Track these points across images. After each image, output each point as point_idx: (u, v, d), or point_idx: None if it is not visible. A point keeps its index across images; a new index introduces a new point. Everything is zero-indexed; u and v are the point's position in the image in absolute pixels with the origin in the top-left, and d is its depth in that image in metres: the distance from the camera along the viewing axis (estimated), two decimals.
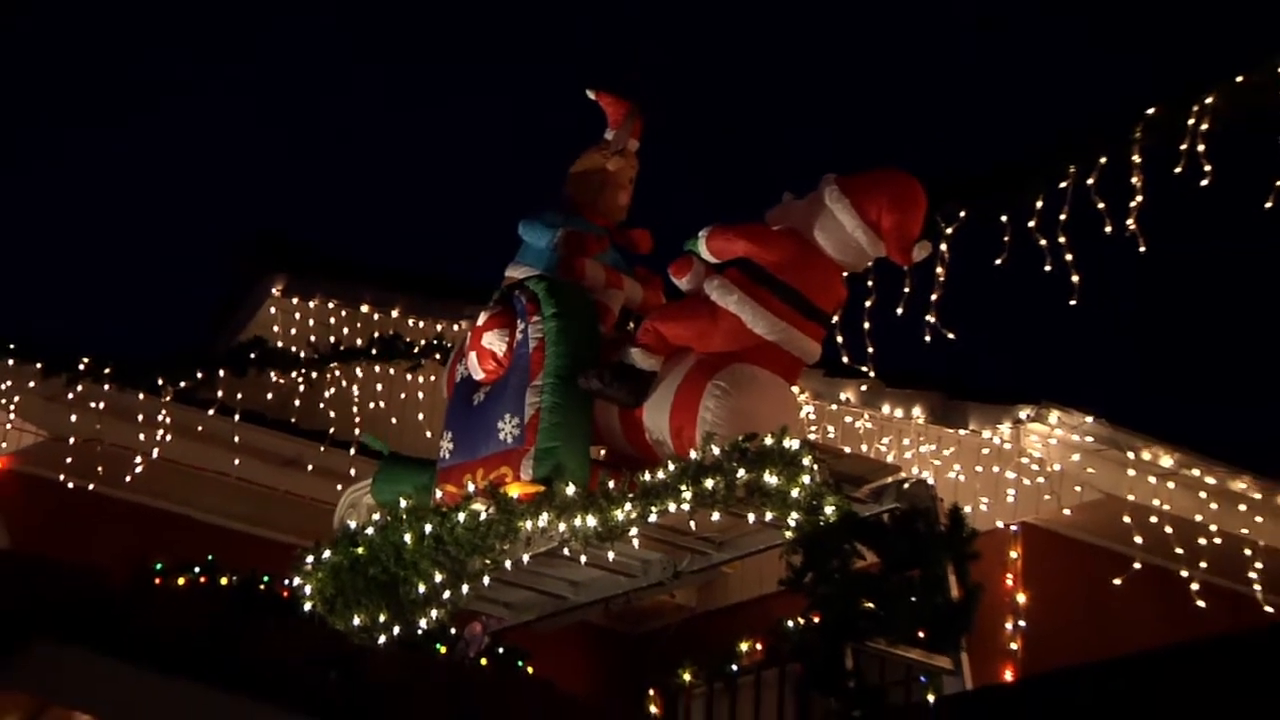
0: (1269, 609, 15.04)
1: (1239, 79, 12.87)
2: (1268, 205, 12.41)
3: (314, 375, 17.18)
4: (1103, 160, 13.10)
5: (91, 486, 15.38)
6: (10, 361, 15.07)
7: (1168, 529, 15.28)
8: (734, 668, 11.75)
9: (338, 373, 17.20)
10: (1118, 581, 15.27)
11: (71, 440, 15.34)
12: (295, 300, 18.12)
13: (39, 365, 15.20)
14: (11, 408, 15.10)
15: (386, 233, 54.98)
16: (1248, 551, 15.41)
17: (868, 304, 13.20)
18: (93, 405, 15.41)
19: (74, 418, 15.33)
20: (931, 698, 10.29)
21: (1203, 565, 15.31)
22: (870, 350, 13.57)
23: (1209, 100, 12.93)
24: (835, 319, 12.34)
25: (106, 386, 15.45)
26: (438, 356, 16.06)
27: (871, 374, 14.39)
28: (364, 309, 17.82)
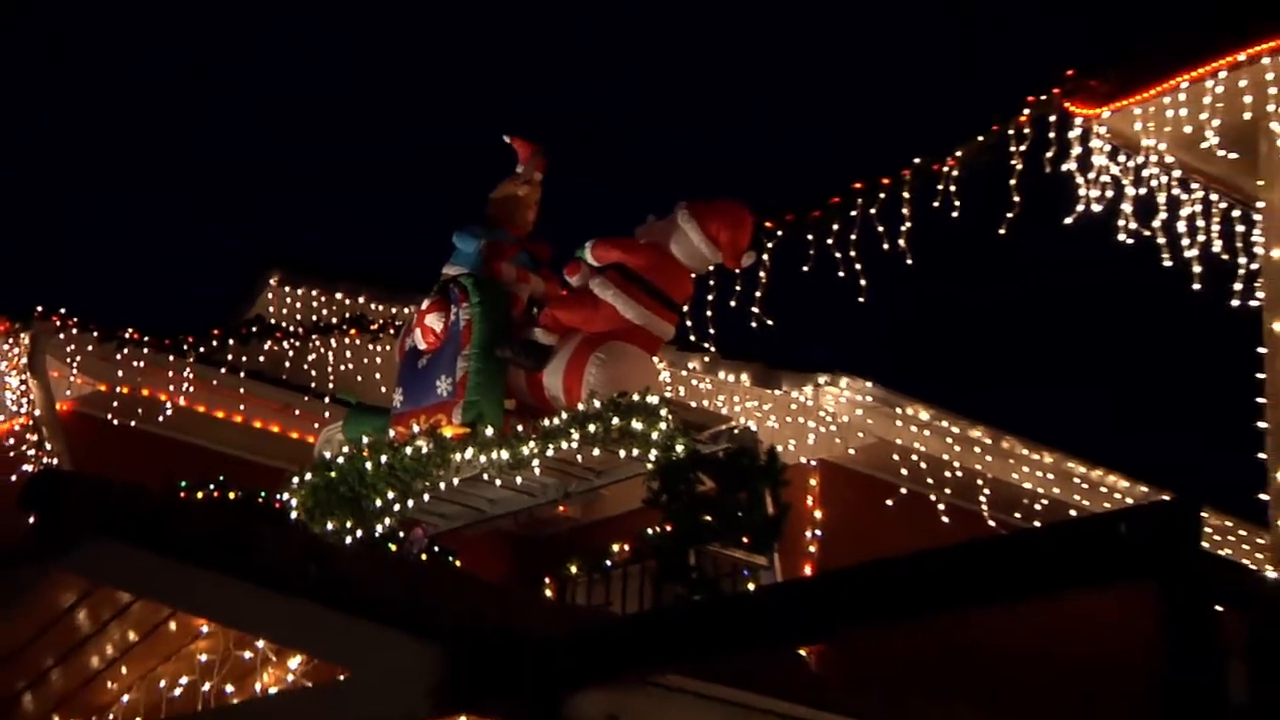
0: (993, 524, 15.11)
1: (979, 139, 12.89)
2: (1067, 221, 12.48)
3: (300, 345, 17.09)
4: (881, 195, 13.15)
5: (133, 424, 15.26)
6: (74, 331, 14.94)
7: (923, 465, 15.35)
8: (608, 563, 11.68)
9: (318, 343, 17.11)
10: (889, 503, 15.32)
11: (118, 390, 15.24)
12: (287, 289, 18.09)
13: (95, 334, 15.08)
14: (74, 365, 14.98)
15: (358, 238, 54.61)
16: (980, 482, 15.49)
17: (709, 297, 13.21)
18: (134, 364, 15.30)
19: (120, 373, 15.22)
20: (752, 586, 10.32)
21: (947, 492, 15.38)
22: (710, 331, 13.57)
23: (958, 153, 12.96)
24: (685, 308, 12.38)
25: (145, 350, 15.34)
26: (392, 331, 16.01)
27: (711, 349, 14.36)
28: (339, 295, 17.77)
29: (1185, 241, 12.76)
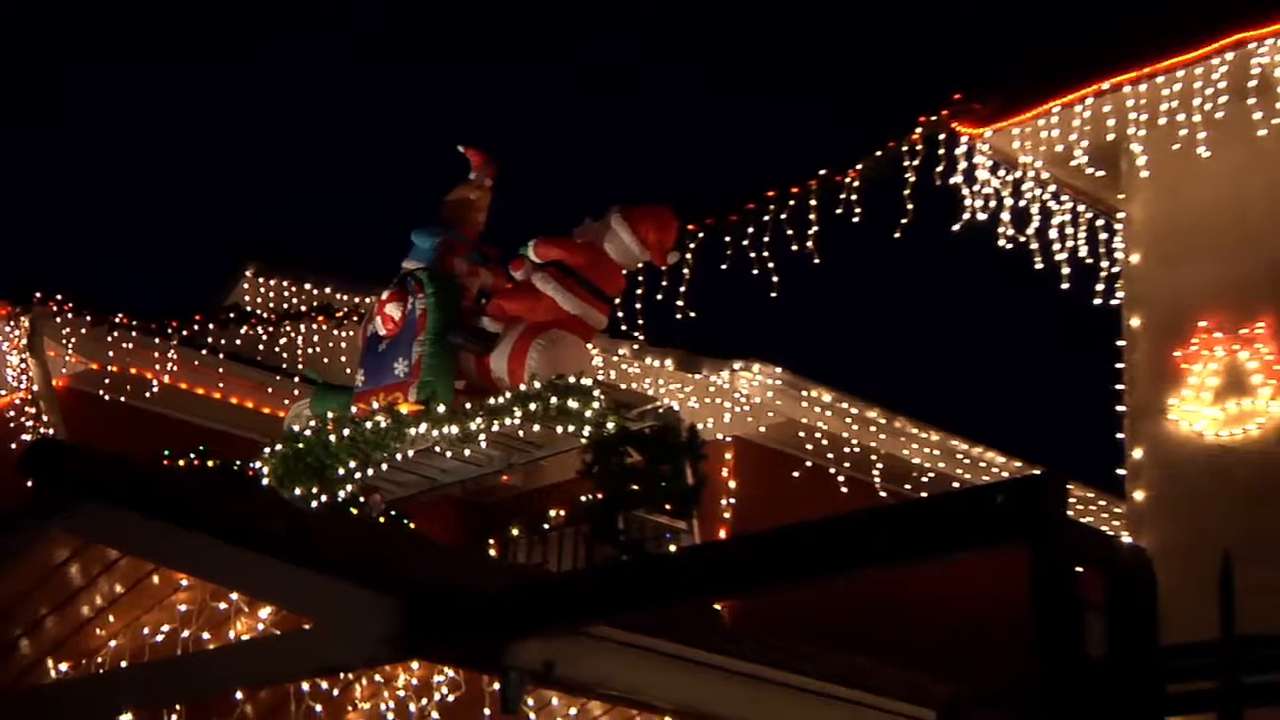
0: (885, 494, 15.17)
1: (878, 153, 12.94)
2: (955, 228, 12.54)
3: (273, 330, 17.01)
4: (791, 202, 13.18)
5: (122, 399, 15.16)
6: (69, 315, 14.83)
7: (824, 441, 15.40)
8: (546, 526, 11.69)
9: (289, 329, 17.03)
10: (794, 475, 15.35)
11: (109, 368, 15.15)
12: (261, 280, 17.98)
13: (88, 318, 14.98)
14: (69, 346, 14.88)
15: (327, 233, 54.01)
16: (874, 457, 15.55)
17: (638, 291, 13.22)
18: (124, 345, 15.20)
19: (110, 353, 15.13)
20: (673, 548, 10.33)
21: (846, 465, 15.43)
22: (639, 321, 13.58)
23: (858, 166, 13.00)
24: (617, 301, 12.39)
25: (133, 333, 15.25)
26: (356, 318, 15.93)
27: (639, 337, 14.37)
28: (308, 285, 17.67)
29: (1056, 247, 12.83)
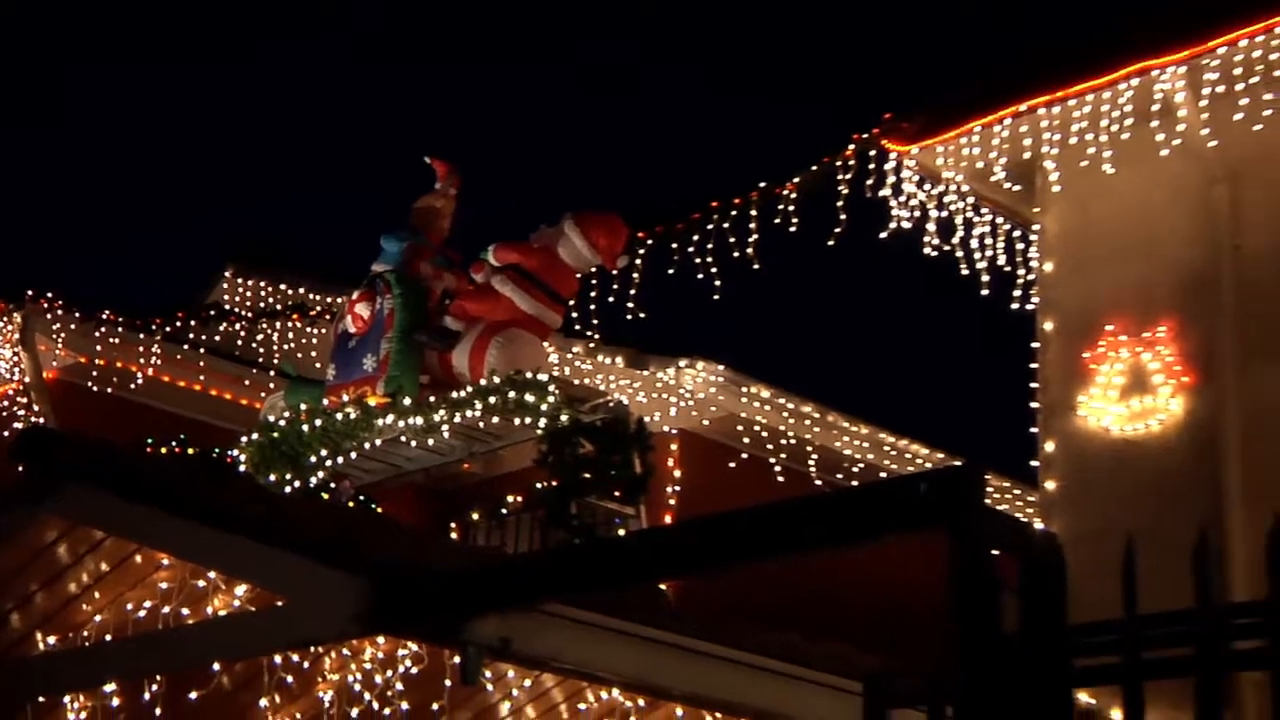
0: (819, 483, 15.21)
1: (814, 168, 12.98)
2: (882, 236, 12.59)
3: (250, 327, 16.95)
4: (733, 212, 13.22)
5: (109, 390, 15.10)
6: (59, 312, 14.77)
7: (763, 434, 15.45)
8: (503, 511, 11.72)
9: (265, 326, 16.97)
10: (734, 465, 15.38)
11: (96, 362, 15.08)
12: (240, 280, 17.92)
13: (77, 315, 14.92)
14: (59, 341, 14.80)
15: (327, 231, 52.93)
16: (809, 449, 15.60)
17: (591, 293, 13.23)
18: (110, 341, 15.15)
19: (98, 348, 15.08)
20: (622, 532, 10.34)
21: (783, 456, 15.47)
22: (592, 321, 13.59)
23: (795, 179, 13.05)
24: (571, 302, 12.40)
25: (119, 329, 15.19)
26: (328, 317, 15.90)
27: (592, 336, 14.37)
28: (283, 286, 17.62)
29: (976, 256, 12.89)
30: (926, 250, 12.84)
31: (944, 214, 12.82)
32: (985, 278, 12.91)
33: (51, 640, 8.28)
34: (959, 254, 12.86)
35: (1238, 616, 3.44)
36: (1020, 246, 13.03)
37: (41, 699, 8.60)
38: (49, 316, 14.74)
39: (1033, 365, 12.35)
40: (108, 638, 8.06)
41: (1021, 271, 12.96)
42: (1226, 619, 3.41)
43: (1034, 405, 12.24)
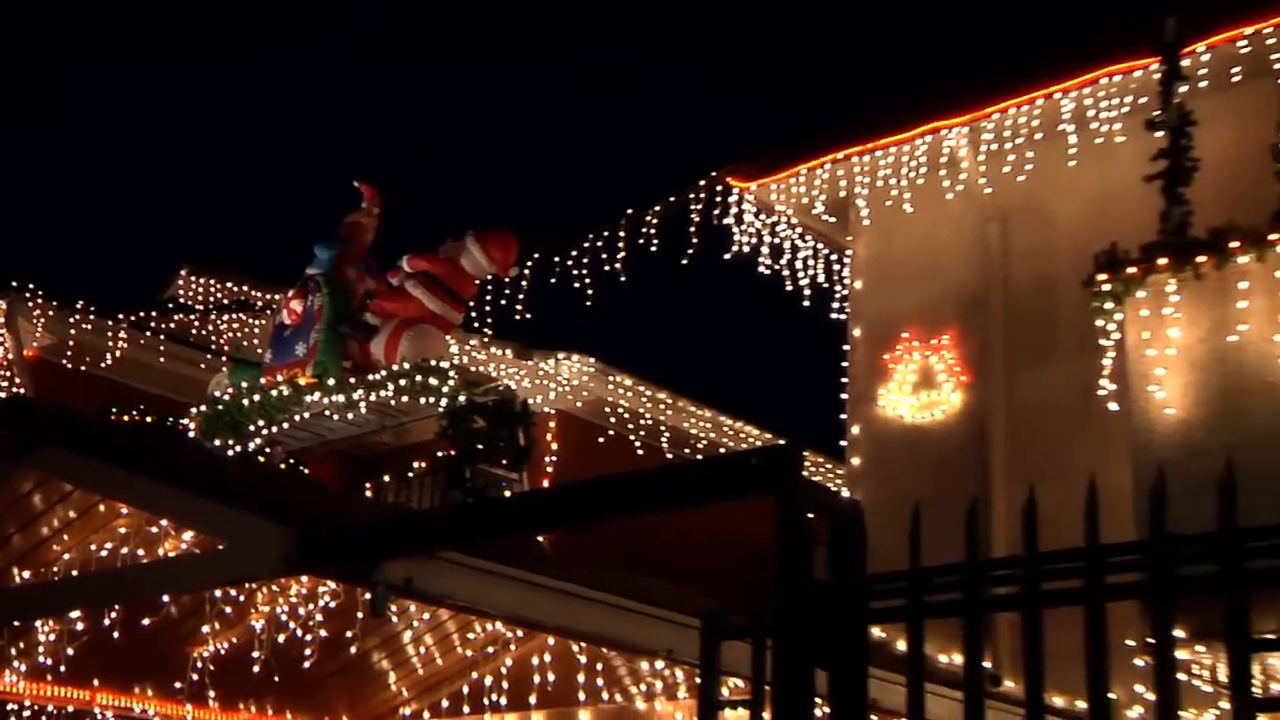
0: (670, 456, 15.26)
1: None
2: (726, 256, 12.67)
3: (202, 317, 16.66)
4: (605, 232, 13.21)
5: (81, 368, 14.75)
6: (40, 300, 14.43)
7: (626, 415, 15.44)
8: (410, 475, 11.61)
9: (214, 317, 16.68)
10: (601, 441, 15.37)
11: (71, 343, 14.73)
12: (194, 278, 17.56)
13: (55, 303, 14.58)
14: (39, 324, 14.45)
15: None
16: (663, 428, 15.65)
17: (487, 297, 13.16)
18: (84, 326, 14.80)
19: (73, 331, 14.71)
20: (508, 493, 10.29)
21: (642, 434, 15.48)
22: (487, 320, 13.52)
23: (656, 207, 13.07)
24: (470, 304, 12.33)
25: (92, 316, 14.86)
26: (269, 311, 15.67)
27: (486, 331, 14.30)
28: (229, 284, 17.30)
29: (801, 274, 13.01)
30: (761, 269, 12.94)
31: (776, 240, 12.93)
32: (808, 292, 13.04)
33: (26, 575, 8.09)
34: (786, 273, 12.97)
35: (997, 569, 3.49)
36: (836, 268, 13.18)
37: (17, 623, 8.40)
38: (30, 304, 14.42)
39: (844, 364, 12.50)
40: (74, 573, 7.89)
41: (837, 288, 13.11)
42: (989, 571, 3.46)
43: (844, 396, 12.39)
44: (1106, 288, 8.34)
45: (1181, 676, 7.40)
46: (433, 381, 11.01)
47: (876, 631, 3.75)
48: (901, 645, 3.58)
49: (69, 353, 14.76)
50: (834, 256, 13.19)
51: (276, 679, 9.06)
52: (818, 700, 3.48)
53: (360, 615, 7.84)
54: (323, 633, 8.36)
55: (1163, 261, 8.17)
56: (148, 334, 15.33)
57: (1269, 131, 9.78)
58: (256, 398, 11.90)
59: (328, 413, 11.69)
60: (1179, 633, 3.22)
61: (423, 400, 11.19)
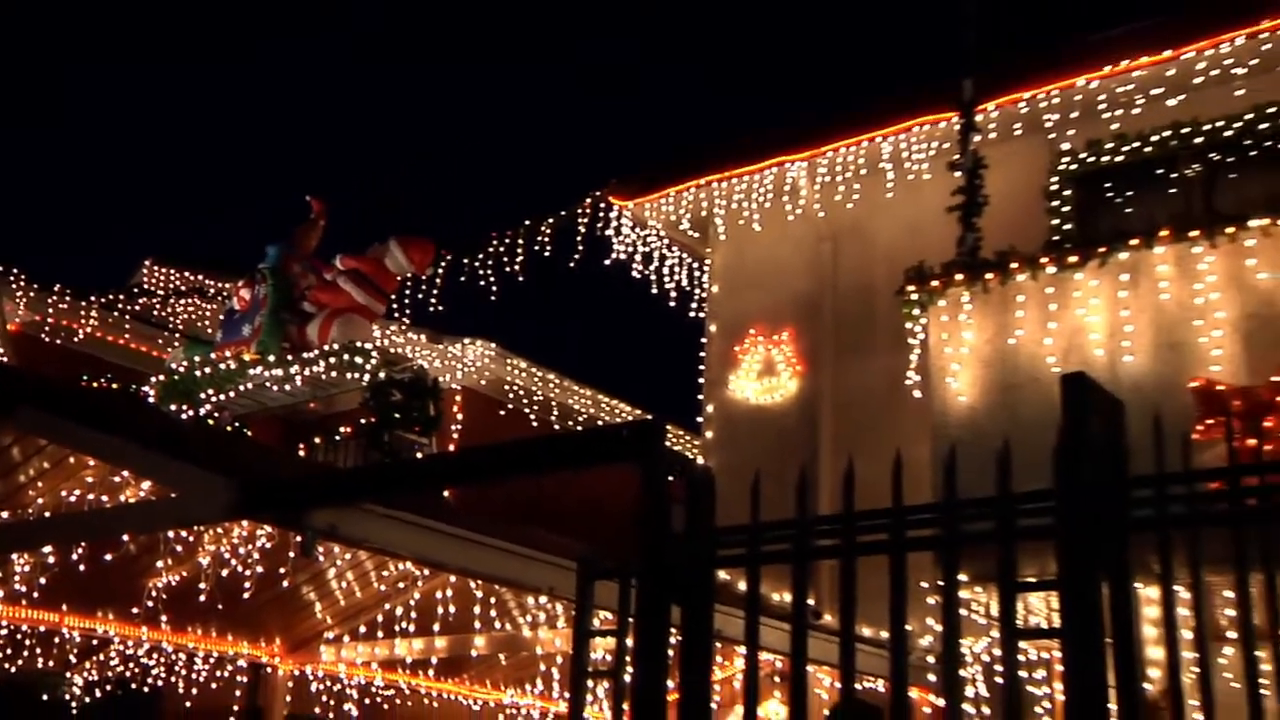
0: (556, 428, 15.25)
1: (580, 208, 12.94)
2: (606, 262, 12.65)
3: (163, 302, 16.25)
4: (507, 240, 13.11)
5: (57, 341, 14.34)
6: (22, 282, 13.99)
7: (521, 393, 15.37)
8: (337, 438, 11.48)
9: (174, 302, 16.29)
10: (501, 414, 15.30)
11: (48, 320, 14.30)
12: (158, 269, 17.11)
13: (35, 285, 14.17)
14: (21, 303, 14.01)
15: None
16: (552, 404, 15.62)
17: (406, 292, 13.02)
18: (60, 305, 14.37)
19: (50, 310, 14.28)
20: (419, 455, 10.22)
21: (534, 409, 15.43)
22: (406, 310, 13.37)
23: (550, 220, 13.00)
24: (392, 297, 12.18)
25: (67, 297, 14.43)
26: (221, 298, 15.34)
27: (405, 320, 14.13)
28: (188, 274, 16.89)
29: (669, 279, 13.06)
30: (635, 273, 12.96)
31: (647, 249, 12.95)
32: (673, 294, 13.10)
33: (4, 515, 7.83)
34: (655, 277, 13.00)
35: (821, 525, 3.54)
36: (697, 274, 13.24)
37: None
38: (14, 285, 13.99)
39: (701, 354, 12.58)
40: (47, 514, 7.66)
41: (697, 291, 13.18)
42: (814, 526, 3.51)
43: (701, 380, 12.47)
44: (914, 297, 8.53)
45: (963, 612, 7.61)
46: (358, 360, 10.93)
47: (722, 574, 3.79)
48: (742, 586, 3.63)
49: (46, 328, 14.35)
50: (695, 265, 13.25)
51: (220, 607, 8.89)
52: (672, 630, 3.51)
53: (292, 555, 7.72)
54: (260, 569, 8.23)
55: (959, 277, 8.38)
56: (115, 314, 14.97)
57: (1042, 176, 10.11)
58: (208, 370, 11.68)
59: (268, 384, 11.51)
60: (962, 576, 3.30)
61: (349, 376, 11.09)
